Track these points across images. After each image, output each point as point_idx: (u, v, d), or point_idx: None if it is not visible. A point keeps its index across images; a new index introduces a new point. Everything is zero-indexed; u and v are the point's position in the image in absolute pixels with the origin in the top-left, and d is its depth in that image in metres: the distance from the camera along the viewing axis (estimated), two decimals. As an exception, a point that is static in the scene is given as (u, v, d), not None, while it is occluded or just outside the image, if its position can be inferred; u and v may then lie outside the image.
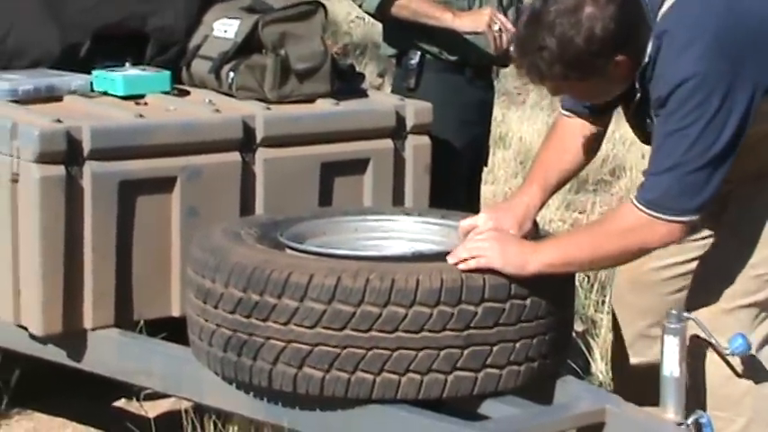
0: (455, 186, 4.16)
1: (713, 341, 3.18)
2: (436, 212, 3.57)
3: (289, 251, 3.22)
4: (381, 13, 4.21)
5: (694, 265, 3.37)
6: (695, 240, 3.35)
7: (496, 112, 9.31)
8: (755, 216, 3.24)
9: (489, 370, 3.01)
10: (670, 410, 3.06)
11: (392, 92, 4.32)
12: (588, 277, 5.32)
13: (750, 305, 3.24)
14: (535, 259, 3.02)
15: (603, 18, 2.92)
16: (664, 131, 3.00)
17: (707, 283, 3.27)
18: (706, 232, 3.35)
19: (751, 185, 3.24)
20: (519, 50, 3.04)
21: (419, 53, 4.25)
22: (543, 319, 3.08)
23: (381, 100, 4.03)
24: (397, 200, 3.90)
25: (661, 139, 3.01)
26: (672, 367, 3.05)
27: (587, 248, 3.07)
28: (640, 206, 3.01)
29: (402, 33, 4.26)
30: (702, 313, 3.18)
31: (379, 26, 4.43)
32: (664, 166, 2.99)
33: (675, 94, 2.97)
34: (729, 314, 3.22)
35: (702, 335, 3.16)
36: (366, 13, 4.33)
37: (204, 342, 3.13)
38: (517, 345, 3.03)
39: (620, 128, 8.66)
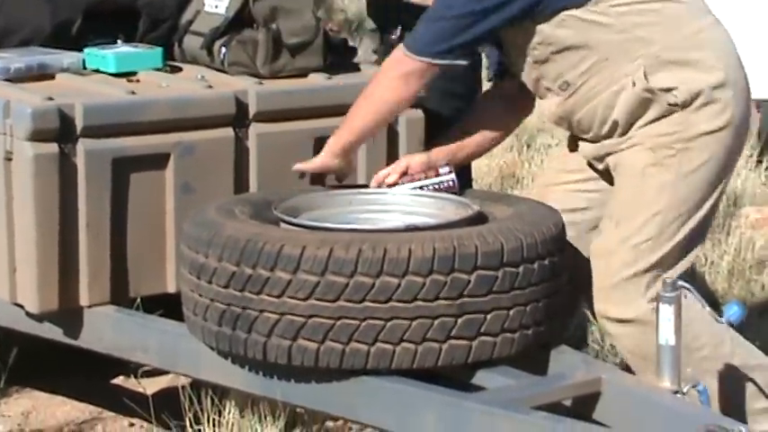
0: None
1: (707, 310, 3.19)
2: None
3: (283, 225, 3.23)
4: None
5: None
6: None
7: (492, 87, 9.34)
8: (620, 195, 3.37)
9: (483, 338, 3.01)
10: (666, 379, 3.06)
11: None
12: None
13: (633, 275, 3.30)
14: (327, 148, 3.45)
15: None
16: None
17: (594, 263, 3.38)
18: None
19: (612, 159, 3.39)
20: None
21: (400, 28, 4.21)
22: (537, 285, 3.09)
23: (373, 74, 4.02)
24: (392, 174, 3.89)
25: None
26: (667, 335, 3.06)
27: (362, 105, 3.43)
28: (400, 49, 3.40)
29: (383, 8, 4.23)
30: (594, 291, 3.35)
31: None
32: (422, 18, 3.39)
33: None
34: (616, 288, 3.32)
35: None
36: None
37: (199, 317, 3.13)
38: (511, 312, 3.04)
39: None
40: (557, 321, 3.23)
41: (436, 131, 4.07)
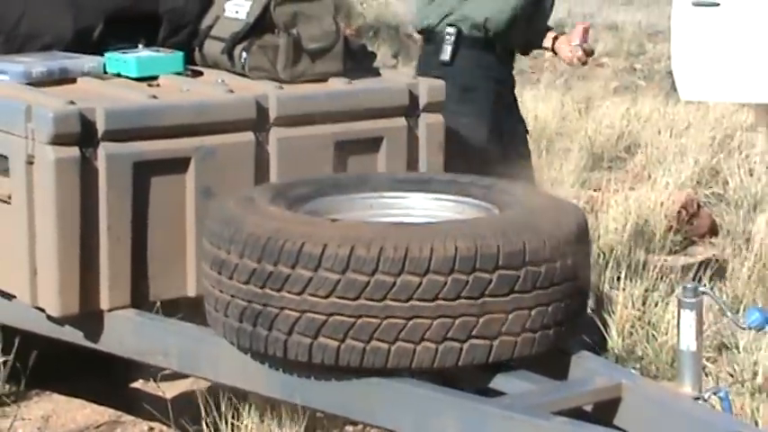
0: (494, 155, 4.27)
1: (729, 315, 3.18)
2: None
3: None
4: None
5: None
6: None
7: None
8: None
9: (504, 338, 3.00)
10: (687, 384, 3.06)
11: (419, 67, 4.47)
12: (603, 254, 5.31)
13: None
14: None
15: None
16: None
17: None
18: None
19: None
20: None
21: (455, 28, 4.38)
22: (558, 285, 3.07)
23: (394, 78, 4.03)
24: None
25: None
26: (688, 341, 3.05)
27: None
28: None
29: (437, 8, 4.42)
30: None
31: (393, 7, 4.49)
32: None
33: None
34: None
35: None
36: None
37: (220, 313, 3.14)
38: (532, 312, 3.03)
39: (634, 105, 8.67)
40: (578, 322, 3.22)
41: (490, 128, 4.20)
